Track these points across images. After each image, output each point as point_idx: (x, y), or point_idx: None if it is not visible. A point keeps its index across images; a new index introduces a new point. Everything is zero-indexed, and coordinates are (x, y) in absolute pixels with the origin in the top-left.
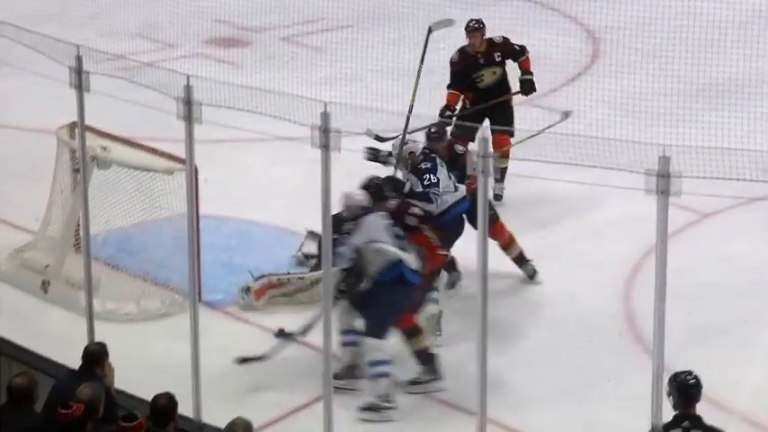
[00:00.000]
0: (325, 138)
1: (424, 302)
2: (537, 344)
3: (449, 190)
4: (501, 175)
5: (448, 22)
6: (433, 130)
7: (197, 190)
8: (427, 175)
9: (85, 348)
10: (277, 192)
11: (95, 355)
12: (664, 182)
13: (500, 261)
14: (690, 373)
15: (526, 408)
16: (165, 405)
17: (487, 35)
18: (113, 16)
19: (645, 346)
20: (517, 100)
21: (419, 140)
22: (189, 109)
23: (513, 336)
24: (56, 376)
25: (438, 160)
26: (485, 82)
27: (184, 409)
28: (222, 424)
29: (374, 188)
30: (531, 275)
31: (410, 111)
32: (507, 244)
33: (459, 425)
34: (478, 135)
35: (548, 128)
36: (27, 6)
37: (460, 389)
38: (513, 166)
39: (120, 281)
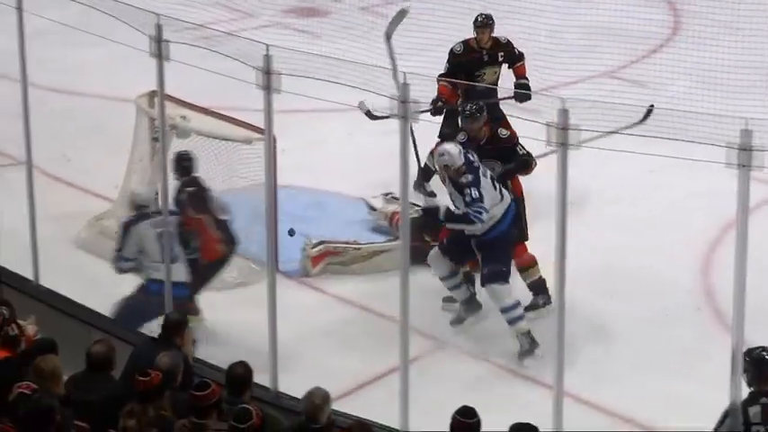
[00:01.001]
0: (404, 108)
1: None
2: (614, 318)
3: (495, 202)
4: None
5: (401, 15)
6: (469, 107)
7: (275, 160)
8: (469, 190)
9: (165, 316)
10: (354, 162)
11: (175, 324)
12: (745, 155)
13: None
14: (765, 348)
15: (603, 381)
16: (240, 374)
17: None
18: None
19: (723, 321)
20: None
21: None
22: (268, 79)
23: (590, 310)
24: (134, 344)
25: (481, 169)
26: (485, 81)
27: (260, 378)
28: (298, 393)
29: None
30: (537, 306)
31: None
32: (526, 265)
33: (536, 398)
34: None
35: (629, 126)
36: None
37: (537, 362)
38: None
39: None
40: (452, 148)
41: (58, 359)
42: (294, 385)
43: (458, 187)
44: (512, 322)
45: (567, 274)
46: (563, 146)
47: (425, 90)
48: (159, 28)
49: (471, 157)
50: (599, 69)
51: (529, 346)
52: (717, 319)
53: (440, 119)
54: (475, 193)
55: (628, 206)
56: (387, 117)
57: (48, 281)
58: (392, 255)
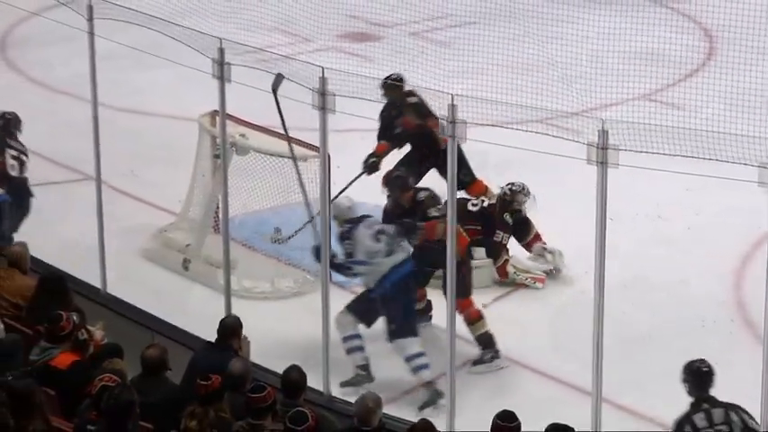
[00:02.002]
0: (452, 128)
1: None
2: (649, 328)
3: (373, 256)
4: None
5: (279, 79)
6: (396, 174)
7: (329, 176)
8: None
9: (221, 321)
10: None
11: (231, 328)
12: None
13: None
14: (703, 361)
15: (638, 388)
16: (295, 378)
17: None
18: (253, 10)
19: (755, 333)
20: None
21: None
22: (323, 99)
23: (625, 320)
24: (194, 348)
25: (365, 222)
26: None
27: (314, 382)
28: (350, 398)
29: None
30: (484, 361)
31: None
32: (472, 319)
33: (575, 403)
34: None
35: None
36: (173, 1)
37: (575, 369)
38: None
39: (256, 261)
40: (342, 200)
41: (123, 363)
42: (347, 389)
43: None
44: (415, 371)
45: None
46: (602, 164)
47: (473, 111)
48: (222, 51)
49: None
50: (637, 93)
51: (429, 397)
52: (748, 330)
53: None
54: (344, 248)
55: (664, 222)
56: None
57: (115, 289)
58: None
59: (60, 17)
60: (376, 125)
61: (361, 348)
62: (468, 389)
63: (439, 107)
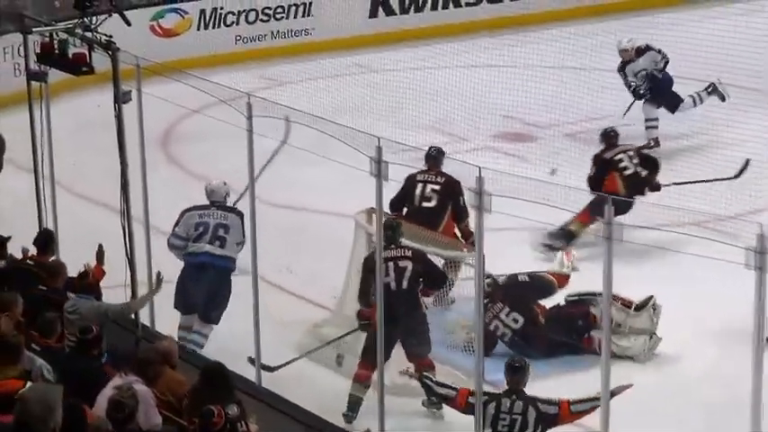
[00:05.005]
0: (608, 230)
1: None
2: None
3: None
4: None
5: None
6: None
7: (483, 274)
8: None
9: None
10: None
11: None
12: None
13: None
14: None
15: None
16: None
17: None
18: (410, 110)
19: None
20: None
21: None
22: (480, 199)
23: None
24: None
25: None
26: None
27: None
28: None
29: None
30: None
31: None
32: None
33: None
34: None
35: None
36: (332, 99)
37: None
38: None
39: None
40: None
41: None
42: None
43: None
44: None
45: None
46: (760, 270)
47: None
48: (380, 150)
49: None
50: None
51: None
52: None
53: None
54: None
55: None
56: None
57: (269, 383)
58: None
59: (221, 115)
60: (529, 224)
61: None
62: None
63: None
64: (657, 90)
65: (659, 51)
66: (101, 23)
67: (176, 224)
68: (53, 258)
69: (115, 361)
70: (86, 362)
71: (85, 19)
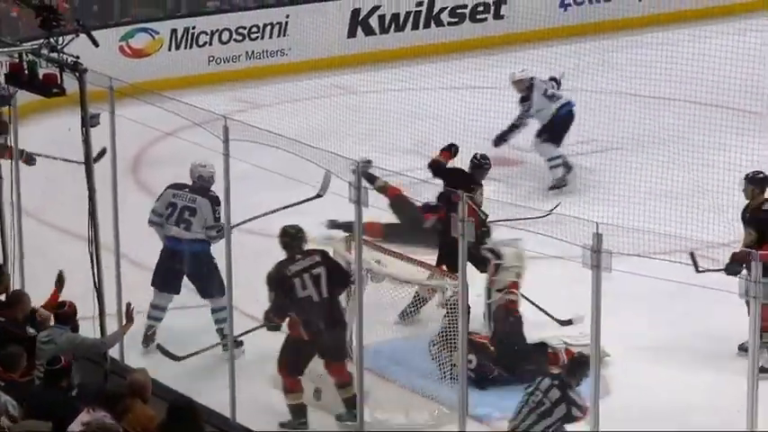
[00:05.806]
0: (597, 258)
1: None
2: None
3: None
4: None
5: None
6: None
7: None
8: None
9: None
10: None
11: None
12: None
13: None
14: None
15: None
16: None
17: None
18: (390, 132)
19: None
20: None
21: None
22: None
23: None
24: None
25: None
26: None
27: None
28: None
29: None
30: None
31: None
32: (343, 384)
33: None
34: None
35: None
36: (307, 122)
37: None
38: None
39: (390, 392)
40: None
41: None
42: None
43: None
44: None
45: None
46: (755, 299)
47: (618, 240)
48: (358, 175)
49: None
50: None
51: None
52: None
53: None
54: None
55: None
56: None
57: (243, 418)
58: None
59: (195, 138)
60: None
61: None
62: None
63: (583, 235)
64: (551, 128)
65: (550, 79)
66: (68, 44)
67: (157, 199)
68: (14, 290)
69: (83, 395)
70: (55, 395)
71: (51, 39)
